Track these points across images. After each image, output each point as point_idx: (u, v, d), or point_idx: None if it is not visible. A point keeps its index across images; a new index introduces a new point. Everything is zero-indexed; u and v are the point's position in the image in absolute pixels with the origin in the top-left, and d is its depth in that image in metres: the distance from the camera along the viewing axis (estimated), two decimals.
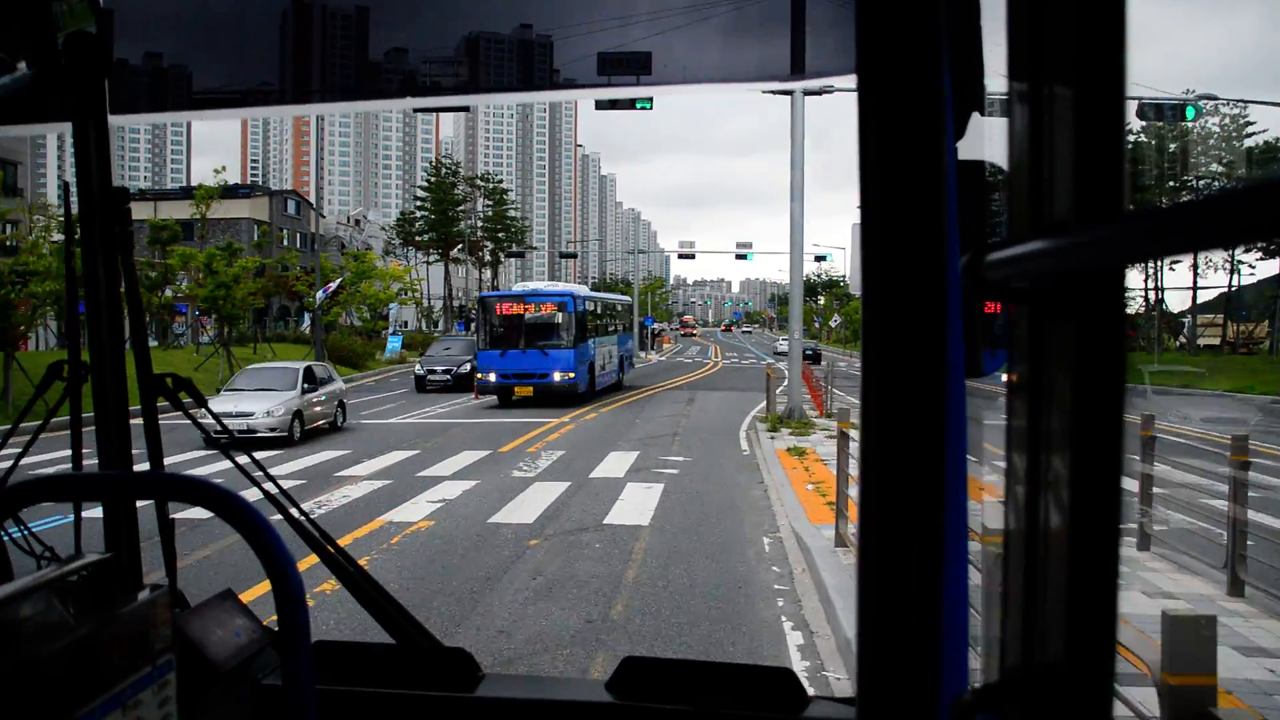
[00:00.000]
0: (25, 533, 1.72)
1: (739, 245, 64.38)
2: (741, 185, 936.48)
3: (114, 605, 1.15)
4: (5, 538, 1.68)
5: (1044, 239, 0.67)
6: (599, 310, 30.96)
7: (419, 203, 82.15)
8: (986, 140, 1.13)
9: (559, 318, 26.41)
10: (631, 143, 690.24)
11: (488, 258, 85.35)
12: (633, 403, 27.21)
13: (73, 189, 1.79)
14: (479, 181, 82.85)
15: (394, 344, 53.15)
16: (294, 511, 1.81)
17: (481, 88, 1.87)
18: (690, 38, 1.70)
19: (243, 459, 1.91)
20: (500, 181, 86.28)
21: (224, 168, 40.91)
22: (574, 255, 74.08)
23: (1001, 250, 0.72)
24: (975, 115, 1.13)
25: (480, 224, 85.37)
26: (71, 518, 1.89)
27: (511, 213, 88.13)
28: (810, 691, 1.65)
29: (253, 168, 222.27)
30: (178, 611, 1.49)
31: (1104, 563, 0.67)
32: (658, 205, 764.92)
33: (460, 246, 76.79)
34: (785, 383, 21.98)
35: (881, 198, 1.07)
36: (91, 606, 1.13)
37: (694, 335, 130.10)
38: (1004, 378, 0.79)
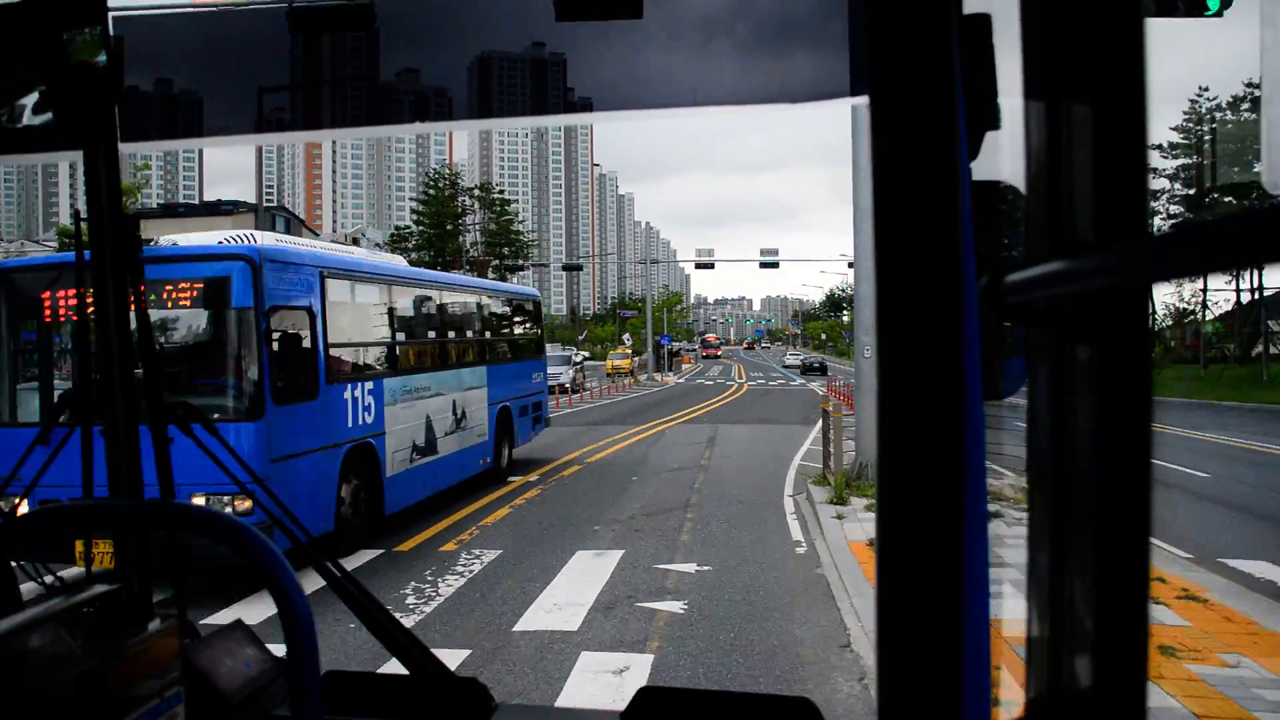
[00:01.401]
0: (35, 562, 1.80)
1: (763, 252, 57.83)
2: (759, 202, 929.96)
3: (123, 636, 1.14)
4: (15, 566, 1.71)
5: (1064, 259, 0.66)
6: (429, 308, 13.10)
7: (415, 216, 76.32)
8: (1002, 160, 1.09)
9: (214, 322, 8.42)
10: (648, 162, 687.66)
11: (490, 275, 79.38)
12: (635, 444, 20.80)
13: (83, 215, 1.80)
14: (478, 192, 76.52)
15: None
16: (302, 538, 1.77)
17: (495, 111, 1.92)
18: (706, 55, 1.72)
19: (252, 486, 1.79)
20: (502, 192, 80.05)
21: (147, 164, 35.07)
22: (579, 267, 67.60)
23: (1020, 272, 0.72)
24: (990, 134, 1.11)
25: (483, 239, 79.40)
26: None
27: (517, 226, 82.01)
28: None
29: (267, 192, 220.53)
30: (188, 642, 1.47)
31: (1133, 586, 0.65)
32: (676, 224, 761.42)
33: (460, 263, 70.74)
34: (852, 422, 14.48)
35: (896, 219, 1.08)
36: (100, 637, 1.12)
37: (718, 356, 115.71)
38: (1025, 400, 0.77)
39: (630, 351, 60.46)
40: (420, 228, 74.54)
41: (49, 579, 1.79)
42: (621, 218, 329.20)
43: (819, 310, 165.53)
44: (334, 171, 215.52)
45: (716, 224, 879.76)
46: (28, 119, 1.80)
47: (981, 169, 1.10)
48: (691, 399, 37.92)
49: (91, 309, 1.79)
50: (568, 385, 38.14)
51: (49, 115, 1.78)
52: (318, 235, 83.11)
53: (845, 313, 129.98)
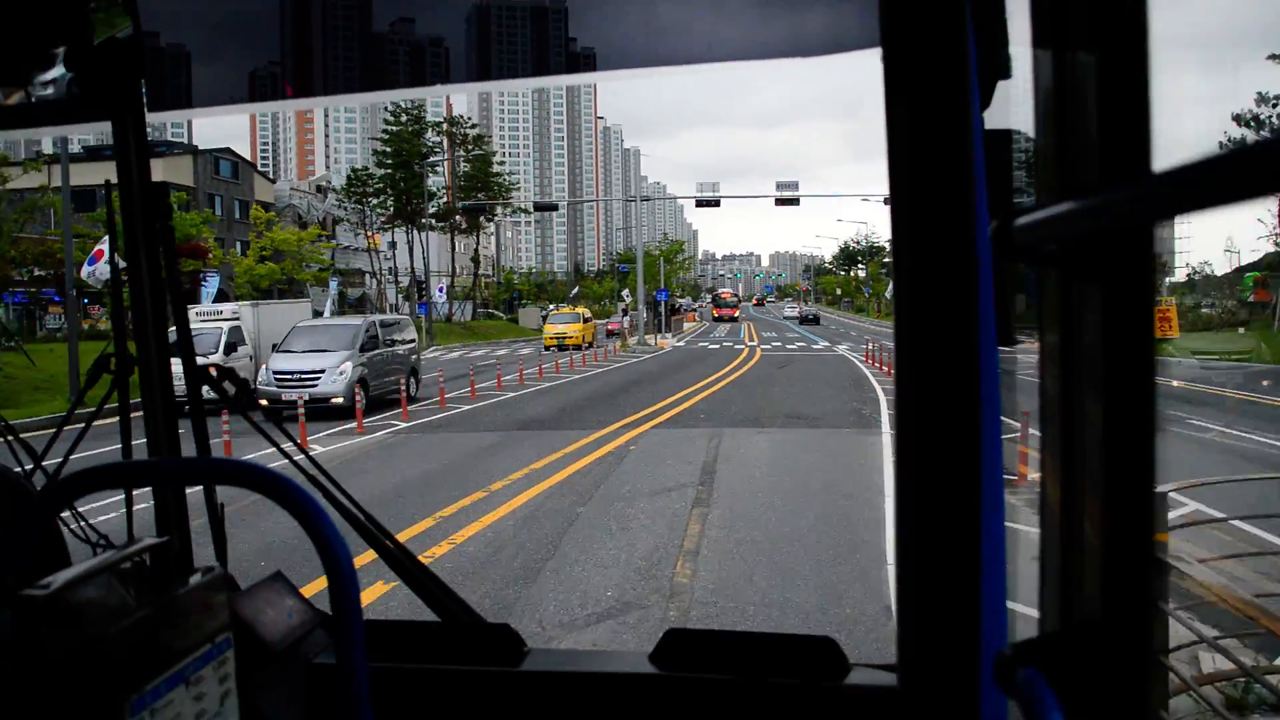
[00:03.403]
0: (80, 522, 1.83)
1: (780, 186, 47.55)
2: (772, 158, 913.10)
3: (171, 587, 1.16)
4: (62, 527, 1.78)
5: (1071, 201, 0.67)
6: None
7: (376, 156, 66.22)
8: (1013, 108, 1.13)
9: None
10: (656, 117, 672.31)
11: (463, 224, 69.34)
12: (563, 486, 11.00)
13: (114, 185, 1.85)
14: (447, 126, 65.94)
15: None
16: (337, 493, 1.80)
17: (495, 69, 1.87)
18: (716, 9, 1.69)
19: (286, 444, 1.94)
20: (474, 126, 69.55)
21: None
22: (553, 206, 57.94)
23: (1029, 215, 0.73)
24: (1001, 84, 1.15)
25: (456, 181, 69.21)
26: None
27: (496, 168, 71.74)
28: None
29: (263, 158, 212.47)
30: (230, 594, 1.47)
31: (1139, 516, 0.69)
32: (685, 181, 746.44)
33: (425, 211, 60.79)
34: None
35: (910, 168, 1.13)
36: (150, 589, 1.14)
37: (735, 318, 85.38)
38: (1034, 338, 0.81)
39: (584, 314, 46.83)
40: (382, 169, 64.48)
41: (95, 537, 1.80)
42: (627, 173, 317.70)
43: (832, 264, 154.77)
44: (326, 129, 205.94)
45: (727, 180, 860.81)
46: (58, 92, 1.84)
47: (994, 118, 1.12)
48: (688, 373, 28.14)
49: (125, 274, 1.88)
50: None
51: (78, 88, 1.81)
52: (273, 181, 73.18)
53: (862, 266, 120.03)
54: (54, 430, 1.94)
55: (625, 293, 58.08)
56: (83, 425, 1.87)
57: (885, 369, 27.58)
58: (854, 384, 23.67)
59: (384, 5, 1.79)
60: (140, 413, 1.91)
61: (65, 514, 1.76)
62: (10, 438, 1.92)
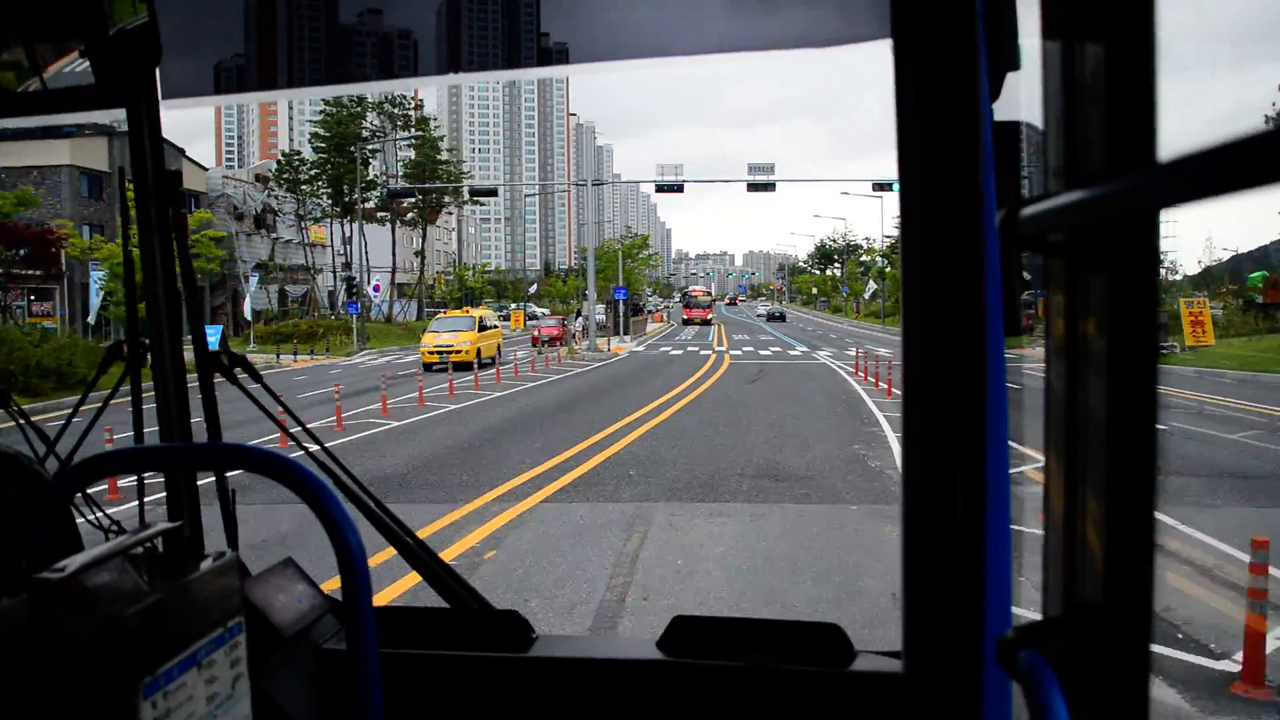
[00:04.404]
0: (92, 507, 1.89)
1: (753, 169, 41.85)
2: (750, 157, 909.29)
3: (184, 571, 1.17)
4: (75, 512, 1.80)
5: (1077, 190, 0.68)
6: None
7: (311, 140, 60.13)
8: (1023, 100, 1.15)
9: None
10: (629, 115, 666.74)
11: (411, 215, 63.33)
12: None
13: (128, 173, 1.87)
14: (388, 107, 59.34)
15: (212, 343, 32.04)
16: (346, 479, 1.80)
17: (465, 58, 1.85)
18: (689, 4, 1.67)
19: (293, 426, 1.95)
20: (418, 107, 62.83)
21: None
22: (491, 192, 52.13)
23: (1036, 204, 0.74)
24: (1010, 75, 1.16)
25: (405, 169, 63.12)
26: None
27: (444, 156, 65.64)
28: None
29: (228, 152, 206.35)
30: (241, 579, 1.48)
31: (1140, 500, 0.70)
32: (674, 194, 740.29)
33: (362, 199, 54.73)
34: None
35: (920, 159, 1.14)
36: (163, 573, 1.16)
37: (708, 320, 74.28)
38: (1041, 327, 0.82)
39: (482, 318, 33.47)
40: (318, 154, 58.41)
41: (107, 522, 1.84)
42: (601, 171, 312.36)
43: (808, 263, 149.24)
44: (290, 117, 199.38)
45: (703, 178, 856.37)
46: (73, 80, 1.86)
47: (1003, 110, 1.13)
48: (636, 390, 22.58)
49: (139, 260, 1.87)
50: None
51: (92, 76, 1.82)
52: (206, 170, 66.61)
53: (839, 265, 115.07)
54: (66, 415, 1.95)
55: (589, 290, 52.35)
56: (96, 409, 1.92)
57: (882, 385, 22.10)
58: (847, 409, 18.20)
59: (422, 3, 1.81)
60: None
61: (77, 499, 1.74)
62: (23, 422, 1.96)
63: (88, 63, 1.81)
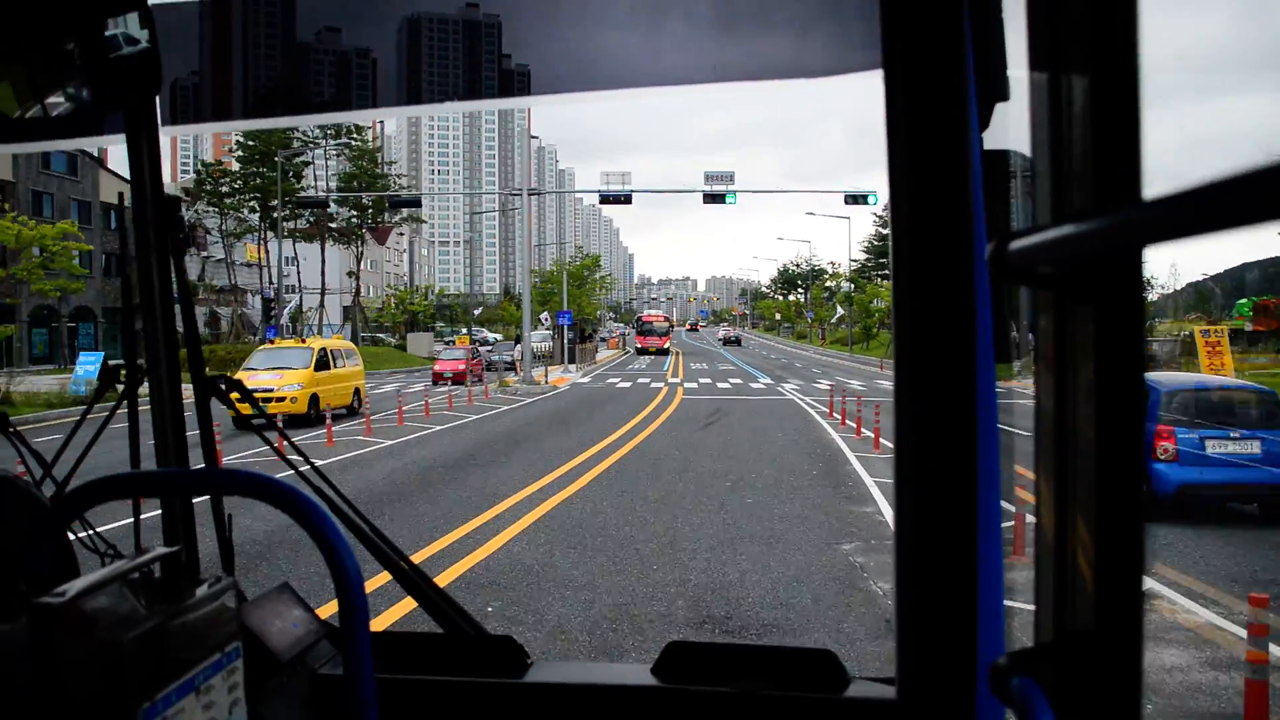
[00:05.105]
0: (89, 532, 1.86)
1: (710, 178, 37.68)
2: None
3: (182, 596, 1.17)
4: (71, 537, 1.78)
5: (1066, 225, 0.69)
6: None
7: (234, 149, 55.51)
8: (1012, 130, 1.15)
9: None
10: (592, 141, 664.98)
11: (344, 234, 58.61)
12: None
13: (127, 199, 1.87)
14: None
15: (90, 372, 28.54)
16: (343, 505, 1.78)
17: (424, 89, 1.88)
18: (725, 31, 1.65)
19: (291, 454, 1.94)
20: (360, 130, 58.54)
21: None
22: (415, 203, 47.68)
23: (1026, 237, 0.75)
24: (999, 106, 1.16)
25: (339, 183, 58.48)
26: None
27: (381, 167, 61.09)
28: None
29: (184, 171, 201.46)
30: (239, 604, 1.51)
31: (1129, 530, 0.72)
32: (624, 208, 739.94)
33: (289, 211, 50.02)
34: None
35: (909, 189, 1.15)
36: (160, 598, 1.16)
37: (665, 350, 68.13)
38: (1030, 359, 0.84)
39: (333, 349, 24.03)
40: (241, 166, 53.73)
41: (103, 547, 1.83)
42: (562, 195, 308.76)
43: (770, 288, 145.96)
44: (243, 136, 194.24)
45: (666, 204, 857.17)
46: (72, 106, 1.87)
47: (993, 140, 1.14)
48: (562, 438, 18.29)
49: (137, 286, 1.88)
50: None
51: (92, 102, 1.84)
52: (126, 179, 61.76)
53: (803, 290, 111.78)
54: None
55: (544, 315, 48.01)
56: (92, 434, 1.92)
57: (866, 434, 17.99)
58: (825, 472, 13.99)
59: (316, 17, 1.82)
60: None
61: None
62: (20, 445, 1.95)
63: (88, 90, 1.84)
